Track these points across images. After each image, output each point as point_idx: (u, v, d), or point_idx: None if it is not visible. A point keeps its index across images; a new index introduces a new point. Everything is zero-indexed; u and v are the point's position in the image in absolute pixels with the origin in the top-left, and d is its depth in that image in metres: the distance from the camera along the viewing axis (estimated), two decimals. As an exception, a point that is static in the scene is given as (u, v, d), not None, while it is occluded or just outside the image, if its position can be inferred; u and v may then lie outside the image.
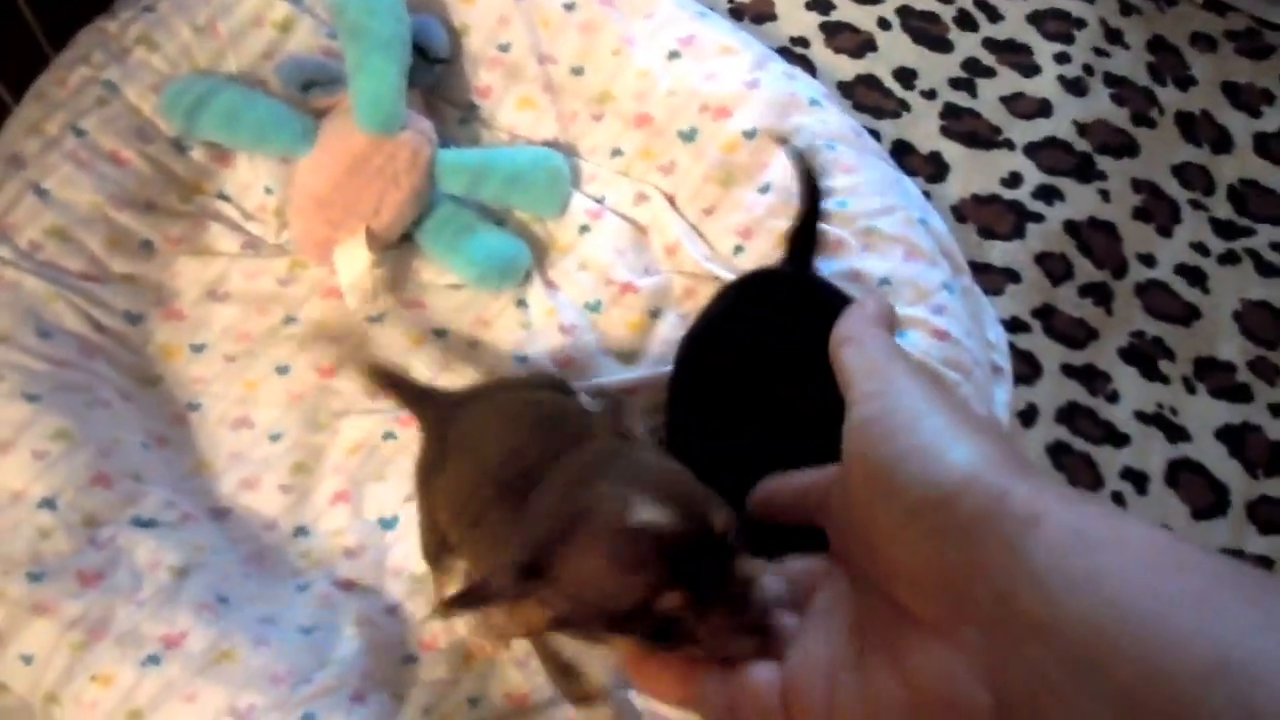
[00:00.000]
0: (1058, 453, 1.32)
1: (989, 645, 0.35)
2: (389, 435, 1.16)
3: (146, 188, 1.21)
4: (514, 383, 1.11)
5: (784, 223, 1.23)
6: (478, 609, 0.58)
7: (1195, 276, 1.48)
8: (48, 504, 1.01)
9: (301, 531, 1.12)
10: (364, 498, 1.13)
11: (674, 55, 1.31)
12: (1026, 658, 0.33)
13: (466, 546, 0.90)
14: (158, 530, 1.04)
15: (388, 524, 1.12)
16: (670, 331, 1.22)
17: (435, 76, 1.30)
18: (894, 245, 1.21)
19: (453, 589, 1.06)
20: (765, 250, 1.22)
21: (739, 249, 1.24)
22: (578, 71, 1.33)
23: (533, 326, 1.22)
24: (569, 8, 1.32)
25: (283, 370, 1.19)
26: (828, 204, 1.22)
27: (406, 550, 1.10)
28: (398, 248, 1.25)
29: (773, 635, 0.46)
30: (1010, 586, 0.34)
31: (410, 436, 1.15)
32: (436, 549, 1.01)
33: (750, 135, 1.26)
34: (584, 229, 1.28)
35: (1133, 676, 0.30)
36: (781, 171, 1.24)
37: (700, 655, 0.49)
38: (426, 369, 1.19)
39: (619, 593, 0.53)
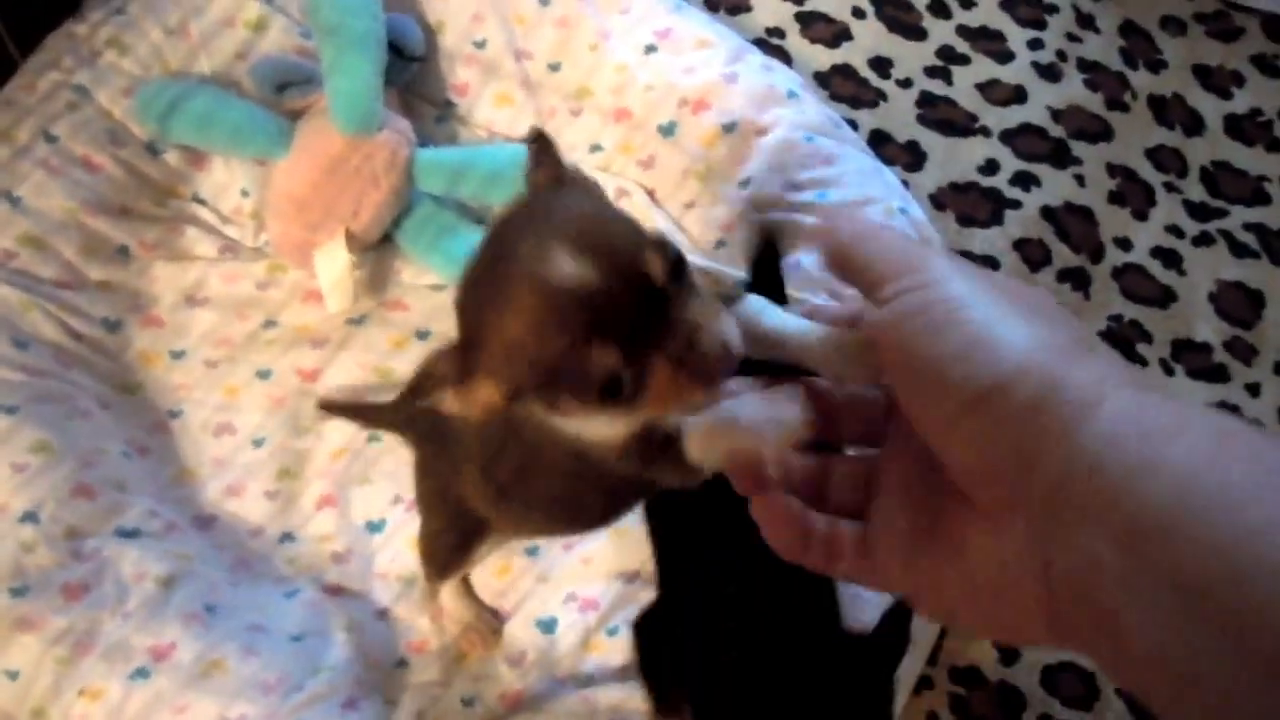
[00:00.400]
0: (1040, 438, 1.33)
1: (1042, 534, 0.34)
2: (373, 438, 1.15)
3: (120, 193, 1.20)
4: None
5: (765, 215, 1.23)
6: (430, 399, 0.54)
7: (1171, 259, 1.49)
8: (30, 517, 1.00)
9: (288, 537, 1.11)
10: (350, 501, 1.13)
11: (651, 49, 1.30)
12: (1078, 545, 0.32)
13: (508, 507, 0.84)
14: (142, 540, 1.03)
15: (375, 527, 1.12)
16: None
17: (411, 74, 1.29)
18: (875, 235, 1.20)
19: (449, 595, 1.06)
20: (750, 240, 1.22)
21: (720, 243, 1.23)
22: (555, 67, 1.32)
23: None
24: (544, 3, 1.31)
25: (264, 375, 1.18)
26: (810, 195, 1.22)
27: (394, 553, 1.10)
28: (378, 249, 1.24)
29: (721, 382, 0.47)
30: (1064, 474, 0.33)
31: (395, 438, 1.15)
32: (452, 551, 0.97)
33: (729, 128, 1.26)
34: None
35: (1197, 563, 0.29)
36: (762, 165, 1.24)
37: (653, 413, 0.50)
38: (410, 370, 1.18)
39: (546, 353, 0.50)
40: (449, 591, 1.05)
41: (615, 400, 0.50)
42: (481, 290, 0.54)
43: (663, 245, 0.51)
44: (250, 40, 1.26)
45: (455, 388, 0.53)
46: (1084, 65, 1.61)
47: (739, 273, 1.19)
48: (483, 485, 0.82)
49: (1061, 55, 1.61)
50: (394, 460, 1.14)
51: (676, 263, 0.50)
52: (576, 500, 0.73)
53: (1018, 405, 0.35)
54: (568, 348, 0.49)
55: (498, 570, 1.09)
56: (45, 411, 1.05)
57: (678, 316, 0.49)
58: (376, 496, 1.13)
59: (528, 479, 0.74)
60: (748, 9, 1.58)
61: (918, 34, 1.59)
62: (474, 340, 0.52)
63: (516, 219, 0.56)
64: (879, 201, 1.23)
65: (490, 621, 1.08)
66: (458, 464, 0.85)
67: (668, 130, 1.28)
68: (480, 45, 1.32)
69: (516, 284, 0.51)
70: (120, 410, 1.13)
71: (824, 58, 1.55)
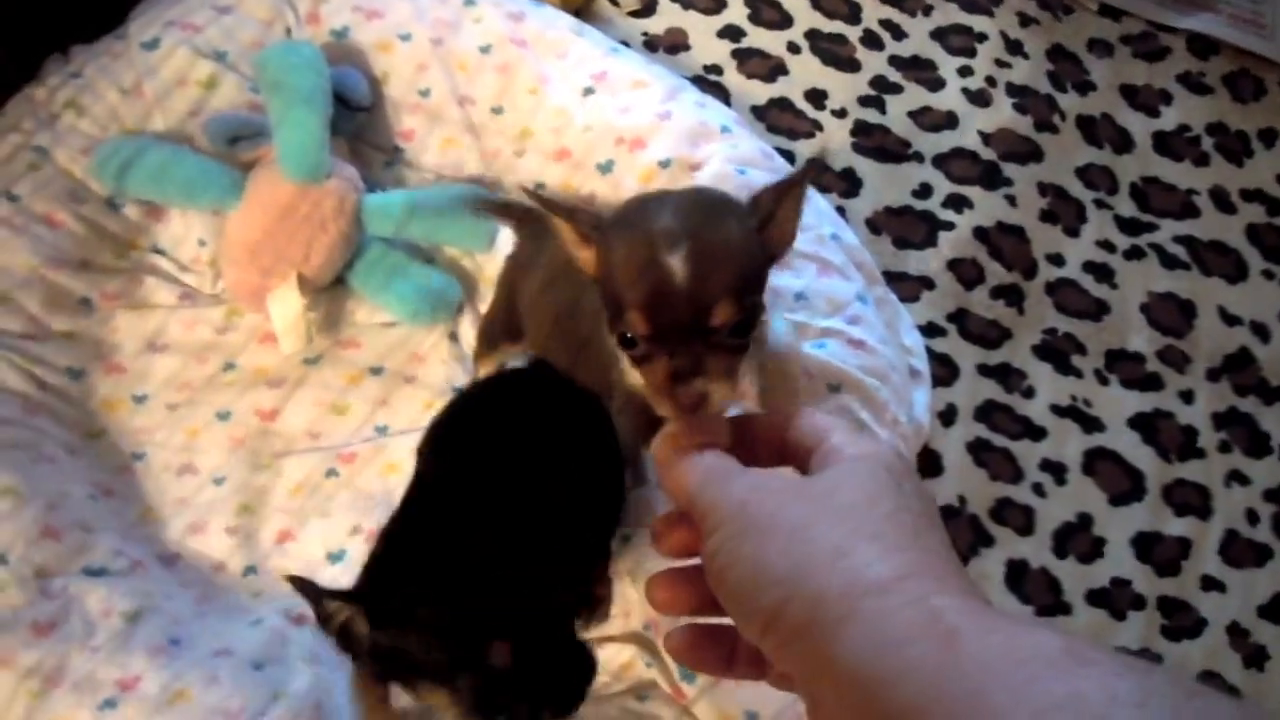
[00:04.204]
0: (978, 449, 1.38)
1: None
2: (331, 473, 1.20)
3: (81, 247, 1.25)
4: None
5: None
6: (559, 217, 0.69)
7: (1103, 273, 1.54)
8: (-1, 559, 1.04)
9: (250, 570, 1.15)
10: (309, 535, 1.17)
11: (589, 91, 1.36)
12: None
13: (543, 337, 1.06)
14: (108, 579, 1.07)
15: (335, 558, 1.16)
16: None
17: (358, 124, 1.35)
18: (807, 262, 1.26)
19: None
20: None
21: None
22: (497, 111, 1.38)
23: (467, 358, 1.27)
24: (484, 50, 1.37)
25: (224, 416, 1.23)
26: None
27: (354, 582, 1.13)
28: (330, 291, 1.29)
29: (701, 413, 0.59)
30: (833, 686, 0.39)
31: (351, 472, 1.20)
32: (497, 332, 1.18)
33: (665, 164, 1.31)
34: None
35: None
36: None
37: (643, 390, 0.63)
38: (365, 406, 1.24)
39: (617, 283, 0.64)
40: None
41: (628, 352, 0.64)
42: (635, 212, 0.68)
43: (739, 302, 0.62)
44: (202, 98, 1.31)
45: (580, 239, 0.69)
46: (1013, 90, 1.67)
47: None
48: (545, 307, 1.04)
49: (991, 81, 1.67)
50: (351, 494, 1.18)
51: (742, 322, 0.63)
52: (589, 368, 0.94)
53: (790, 629, 0.42)
54: (626, 293, 0.63)
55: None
56: (12, 457, 1.10)
57: (707, 350, 0.62)
58: (335, 528, 1.17)
59: (576, 329, 0.96)
60: (686, 48, 1.64)
61: (851, 65, 1.66)
62: (606, 232, 0.67)
63: (698, 197, 0.71)
64: (810, 229, 1.28)
65: None
66: (541, 279, 1.05)
67: (606, 168, 1.33)
68: (424, 93, 1.37)
69: (642, 237, 0.64)
70: (85, 454, 1.17)
71: (761, 92, 1.61)
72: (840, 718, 0.39)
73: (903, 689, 0.36)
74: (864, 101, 1.62)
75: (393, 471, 1.20)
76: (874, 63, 1.66)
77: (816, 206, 1.34)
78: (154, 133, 1.29)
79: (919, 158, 1.58)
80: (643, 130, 1.33)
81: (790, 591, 0.42)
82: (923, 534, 0.44)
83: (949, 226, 1.53)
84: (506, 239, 1.34)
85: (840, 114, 1.60)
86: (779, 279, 1.24)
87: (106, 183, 1.24)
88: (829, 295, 1.24)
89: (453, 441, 1.04)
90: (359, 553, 1.15)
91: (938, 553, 0.43)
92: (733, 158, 1.32)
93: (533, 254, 1.10)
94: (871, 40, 1.68)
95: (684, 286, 0.62)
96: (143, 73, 1.29)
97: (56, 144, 1.25)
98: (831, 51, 1.66)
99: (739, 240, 0.67)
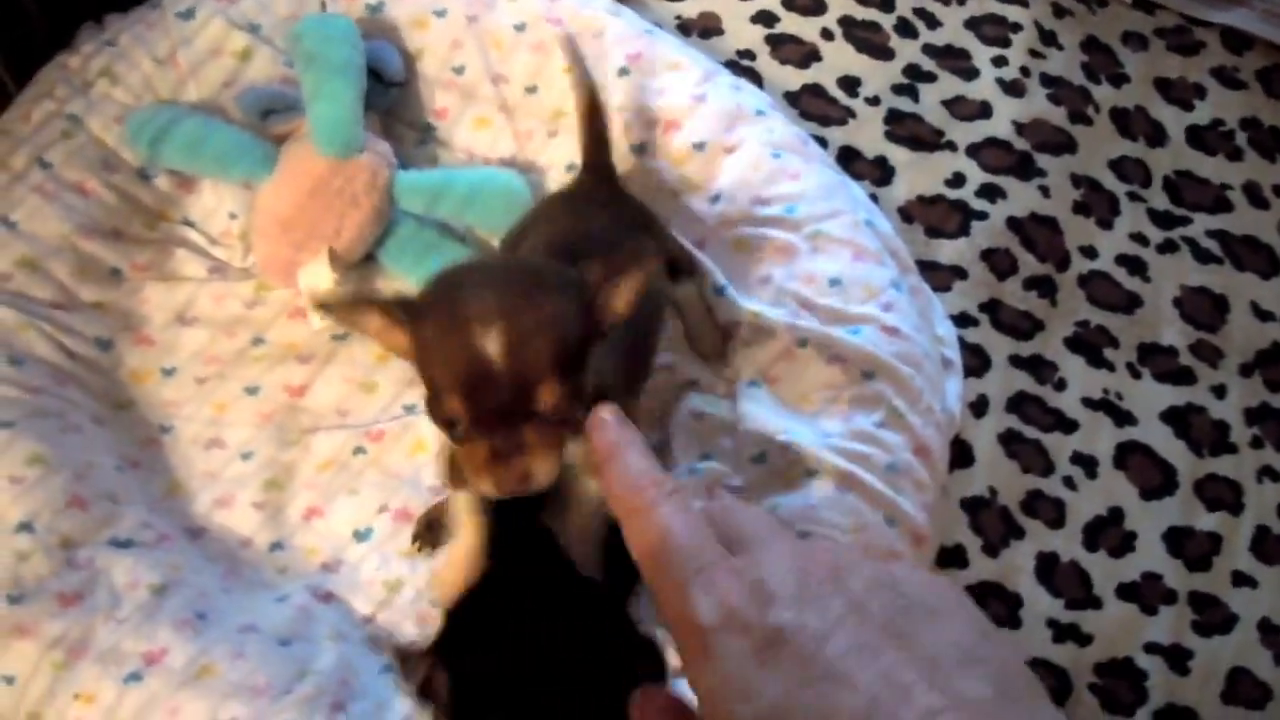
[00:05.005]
0: (1009, 441, 1.36)
1: None
2: (359, 450, 1.19)
3: (113, 217, 1.24)
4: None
5: (735, 231, 1.27)
6: (362, 309, 0.69)
7: (1135, 266, 1.53)
8: (25, 527, 1.03)
9: (277, 546, 1.14)
10: (336, 512, 1.16)
11: (623, 72, 1.35)
12: None
13: None
14: (135, 550, 1.07)
15: (362, 536, 1.15)
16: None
17: (392, 99, 1.34)
18: (842, 247, 1.25)
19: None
20: (721, 255, 1.26)
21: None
22: (531, 90, 1.37)
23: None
24: (519, 29, 1.36)
25: (252, 391, 1.22)
26: (778, 210, 1.26)
27: (381, 560, 1.13)
28: (361, 267, 1.28)
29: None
30: None
31: (380, 451, 1.19)
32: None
33: (699, 147, 1.30)
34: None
35: None
36: (730, 182, 1.29)
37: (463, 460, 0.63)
38: (393, 385, 1.22)
39: (433, 371, 0.63)
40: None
41: (449, 433, 0.63)
42: (448, 289, 0.66)
43: (564, 383, 0.62)
44: (236, 69, 1.30)
45: (389, 324, 0.67)
46: (1047, 80, 1.66)
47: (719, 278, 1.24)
48: None
49: (1025, 71, 1.66)
50: (378, 472, 1.17)
51: (569, 402, 0.62)
52: None
53: None
54: (443, 377, 0.62)
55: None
56: (40, 426, 1.09)
57: (531, 427, 0.62)
58: (363, 506, 1.16)
59: None
60: (720, 32, 1.63)
61: (885, 53, 1.64)
62: (418, 310, 0.65)
63: (514, 272, 0.70)
64: (845, 214, 1.27)
65: None
66: None
67: (640, 149, 1.32)
68: (458, 71, 1.36)
69: (455, 318, 0.63)
70: (113, 426, 1.16)
71: (794, 78, 1.60)
72: None
73: None
74: (897, 89, 1.61)
75: (420, 451, 1.19)
76: (908, 51, 1.65)
77: (851, 193, 1.33)
78: (187, 103, 1.28)
79: (952, 147, 1.57)
80: (678, 112, 1.32)
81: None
82: None
83: (982, 216, 1.52)
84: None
85: (873, 101, 1.59)
86: (813, 264, 1.23)
87: (140, 151, 1.23)
88: (864, 281, 1.23)
89: None
90: (385, 531, 1.14)
91: None
92: (768, 142, 1.31)
93: None
94: (905, 28, 1.67)
95: (502, 369, 0.60)
96: (177, 43, 1.28)
97: (90, 112, 1.24)
98: (865, 39, 1.65)
99: (560, 316, 0.65)
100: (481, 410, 0.61)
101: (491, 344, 0.60)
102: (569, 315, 0.65)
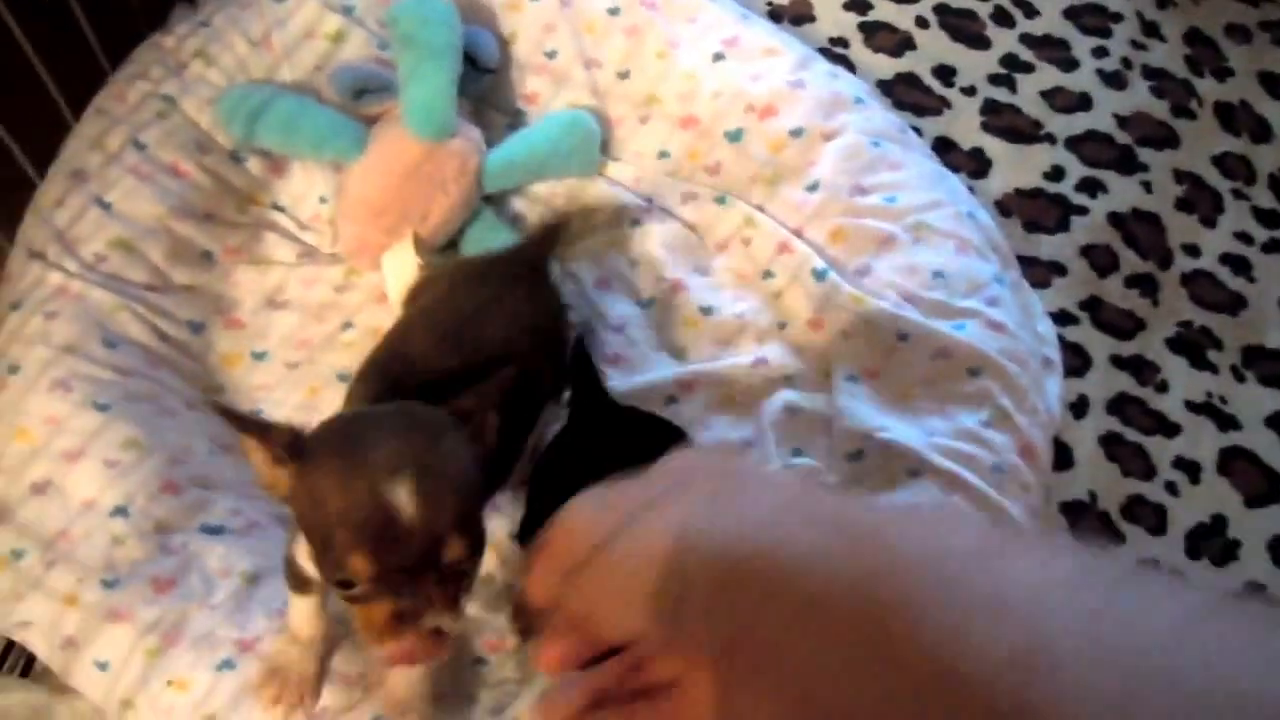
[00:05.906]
0: (1110, 443, 1.32)
1: None
2: (449, 438, 1.17)
3: (206, 199, 1.23)
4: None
5: (833, 220, 1.24)
6: (248, 435, 0.63)
7: (1240, 265, 1.48)
8: (120, 511, 1.02)
9: (366, 535, 1.13)
10: (428, 500, 1.14)
11: (719, 57, 1.32)
12: None
13: None
14: (226, 537, 1.05)
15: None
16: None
17: (484, 86, 1.32)
18: (944, 239, 1.21)
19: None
20: (818, 242, 1.23)
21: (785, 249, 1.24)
22: (623, 75, 1.34)
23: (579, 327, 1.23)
24: (613, 13, 1.33)
25: (343, 376, 1.20)
26: (877, 200, 1.23)
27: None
28: (442, 254, 1.27)
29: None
30: None
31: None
32: None
33: (796, 134, 1.27)
34: (634, 223, 1.29)
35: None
36: (829, 169, 1.25)
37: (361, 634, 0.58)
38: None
39: (327, 525, 0.58)
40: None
41: (343, 594, 0.59)
42: (344, 435, 0.63)
43: (470, 533, 0.59)
44: (330, 51, 1.29)
45: (272, 460, 0.63)
46: (1149, 73, 1.61)
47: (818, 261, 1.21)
48: None
49: (1126, 63, 1.61)
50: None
51: (467, 553, 0.59)
52: None
53: None
54: (344, 533, 0.57)
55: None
56: (136, 409, 1.08)
57: (433, 584, 0.58)
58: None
59: None
60: (811, 19, 1.59)
61: (981, 43, 1.60)
62: (306, 455, 0.61)
63: (410, 419, 0.65)
64: (947, 205, 1.24)
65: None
66: None
67: (735, 136, 1.29)
68: (551, 55, 1.34)
69: (358, 468, 0.59)
70: (205, 410, 1.15)
71: (887, 66, 1.56)
72: None
73: None
74: (994, 80, 1.57)
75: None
76: (1004, 40, 1.61)
77: (951, 184, 1.30)
78: (281, 85, 1.27)
79: (1050, 139, 1.53)
80: (774, 98, 1.29)
81: None
82: None
83: (1082, 211, 1.47)
84: (630, 203, 1.30)
85: (969, 91, 1.55)
86: (916, 255, 1.20)
87: (235, 130, 1.21)
88: (968, 275, 1.20)
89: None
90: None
91: None
92: (866, 130, 1.28)
93: None
94: (1002, 17, 1.63)
95: (414, 525, 0.56)
96: (271, 24, 1.27)
97: (184, 93, 1.23)
98: (961, 27, 1.61)
99: (461, 461, 0.62)
100: (387, 569, 0.57)
101: (403, 498, 0.56)
102: (467, 461, 0.63)
